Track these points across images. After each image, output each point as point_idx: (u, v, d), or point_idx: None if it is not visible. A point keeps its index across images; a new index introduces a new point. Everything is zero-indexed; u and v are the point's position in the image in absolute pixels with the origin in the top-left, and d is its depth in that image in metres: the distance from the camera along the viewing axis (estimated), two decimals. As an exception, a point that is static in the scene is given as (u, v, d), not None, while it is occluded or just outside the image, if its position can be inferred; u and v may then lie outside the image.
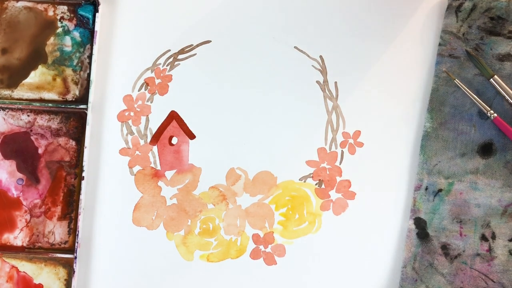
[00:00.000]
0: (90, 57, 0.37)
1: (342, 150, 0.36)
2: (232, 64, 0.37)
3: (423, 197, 0.35)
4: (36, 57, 0.37)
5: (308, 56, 0.37)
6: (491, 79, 0.35)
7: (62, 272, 0.36)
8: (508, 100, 0.35)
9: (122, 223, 0.36)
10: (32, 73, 0.37)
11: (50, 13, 0.37)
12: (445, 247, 0.35)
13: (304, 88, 0.37)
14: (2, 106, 0.36)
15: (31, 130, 0.37)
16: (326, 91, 0.37)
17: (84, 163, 0.35)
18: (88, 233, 0.36)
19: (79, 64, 0.37)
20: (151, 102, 0.37)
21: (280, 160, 0.36)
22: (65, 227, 0.36)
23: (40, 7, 0.37)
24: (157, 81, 0.37)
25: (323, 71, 0.37)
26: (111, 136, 0.37)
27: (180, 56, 0.37)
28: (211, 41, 0.37)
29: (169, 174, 0.36)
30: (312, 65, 0.37)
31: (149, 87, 0.37)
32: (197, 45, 0.37)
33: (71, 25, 0.37)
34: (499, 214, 0.35)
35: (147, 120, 0.37)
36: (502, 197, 0.35)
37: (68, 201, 0.36)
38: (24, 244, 0.36)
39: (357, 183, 0.36)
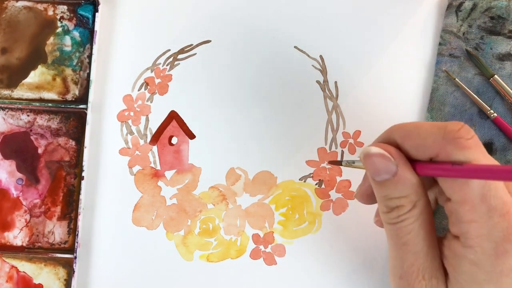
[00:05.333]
0: (90, 57, 0.37)
1: (342, 150, 0.36)
2: (232, 64, 0.37)
3: (423, 197, 0.35)
4: (36, 57, 0.37)
5: (308, 56, 0.37)
6: (491, 79, 0.35)
7: (62, 272, 0.35)
8: (508, 100, 0.35)
9: (122, 223, 0.36)
10: (32, 73, 0.37)
11: (50, 12, 0.37)
12: (445, 247, 0.35)
13: (304, 88, 0.37)
14: (2, 106, 0.36)
15: (31, 130, 0.36)
16: (326, 91, 0.37)
17: (84, 163, 0.35)
18: (88, 233, 0.36)
19: (79, 64, 0.37)
20: (151, 102, 0.37)
21: (280, 160, 0.36)
22: (65, 227, 0.36)
23: (40, 7, 0.37)
24: (157, 81, 0.37)
25: (323, 71, 0.37)
26: (111, 136, 0.37)
27: (180, 56, 0.37)
28: (211, 41, 0.37)
29: (169, 174, 0.36)
30: (312, 65, 0.37)
31: (149, 87, 0.37)
32: (197, 45, 0.37)
33: (71, 25, 0.37)
34: (499, 214, 0.35)
35: (147, 120, 0.37)
36: (502, 197, 0.35)
37: (68, 201, 0.36)
38: (24, 244, 0.36)
39: (357, 183, 0.36)
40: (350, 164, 0.31)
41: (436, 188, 0.29)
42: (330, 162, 0.36)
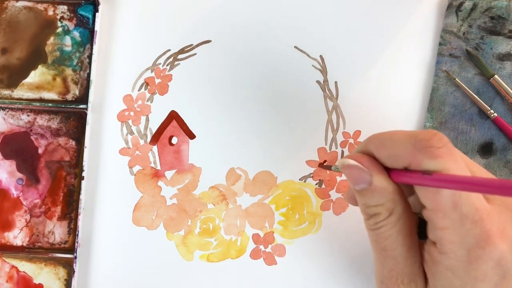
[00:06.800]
0: (90, 57, 0.37)
1: (342, 150, 0.36)
2: (232, 64, 0.37)
3: (423, 197, 0.35)
4: (36, 57, 0.37)
5: (308, 56, 0.37)
6: (491, 79, 0.35)
7: (62, 272, 0.35)
8: (508, 100, 0.35)
9: (122, 223, 0.36)
10: (32, 73, 0.37)
11: (50, 12, 0.37)
12: (445, 247, 0.35)
13: (304, 88, 0.37)
14: (2, 106, 0.36)
15: (31, 130, 0.36)
16: (326, 91, 0.37)
17: (84, 163, 0.35)
18: (88, 233, 0.36)
19: (79, 64, 0.37)
20: (151, 102, 0.37)
21: (280, 160, 0.36)
22: (65, 227, 0.36)
23: (40, 7, 0.37)
24: (157, 81, 0.37)
25: (323, 71, 0.37)
26: (111, 136, 0.37)
27: (180, 56, 0.37)
28: (211, 41, 0.37)
29: (169, 174, 0.36)
30: (312, 65, 0.37)
31: (149, 87, 0.37)
32: (197, 45, 0.37)
33: (71, 25, 0.37)
34: (499, 214, 0.35)
35: (147, 120, 0.37)
36: (502, 197, 0.35)
37: (68, 201, 0.36)
38: (24, 244, 0.36)
39: (357, 183, 0.36)
40: (338, 170, 0.32)
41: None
42: (322, 166, 0.36)
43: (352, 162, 0.27)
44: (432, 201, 0.24)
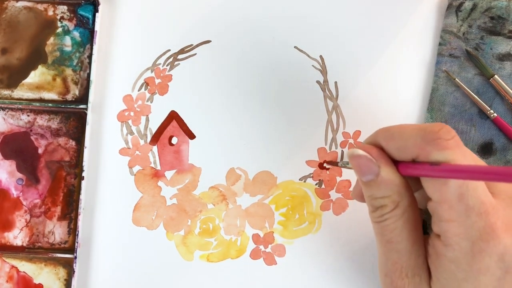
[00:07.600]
0: (90, 57, 0.37)
1: (342, 150, 0.36)
2: (232, 64, 0.37)
3: (423, 197, 0.35)
4: (36, 57, 0.37)
5: (308, 56, 0.37)
6: (491, 79, 0.35)
7: (62, 272, 0.36)
8: (508, 100, 0.35)
9: (122, 223, 0.36)
10: (32, 73, 0.37)
11: (50, 13, 0.37)
12: (445, 247, 0.35)
13: (304, 88, 0.37)
14: (2, 106, 0.36)
15: (31, 130, 0.37)
16: (326, 91, 0.37)
17: (84, 163, 0.35)
18: (88, 233, 0.36)
19: (79, 64, 0.37)
20: (151, 102, 0.37)
21: (280, 160, 0.36)
22: (65, 227, 0.36)
23: (40, 7, 0.37)
24: (157, 81, 0.37)
25: (323, 71, 0.37)
26: (111, 136, 0.37)
27: (180, 56, 0.37)
28: (211, 41, 0.37)
29: (169, 174, 0.36)
30: (312, 65, 0.37)
31: (149, 87, 0.37)
32: (197, 45, 0.37)
33: (71, 25, 0.37)
34: (499, 214, 0.35)
35: (147, 120, 0.37)
36: (502, 197, 0.35)
37: (68, 201, 0.36)
38: (24, 244, 0.36)
39: (357, 183, 0.36)
40: (345, 165, 0.32)
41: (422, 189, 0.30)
42: (328, 162, 0.36)
43: (361, 152, 0.27)
44: (439, 192, 0.24)
